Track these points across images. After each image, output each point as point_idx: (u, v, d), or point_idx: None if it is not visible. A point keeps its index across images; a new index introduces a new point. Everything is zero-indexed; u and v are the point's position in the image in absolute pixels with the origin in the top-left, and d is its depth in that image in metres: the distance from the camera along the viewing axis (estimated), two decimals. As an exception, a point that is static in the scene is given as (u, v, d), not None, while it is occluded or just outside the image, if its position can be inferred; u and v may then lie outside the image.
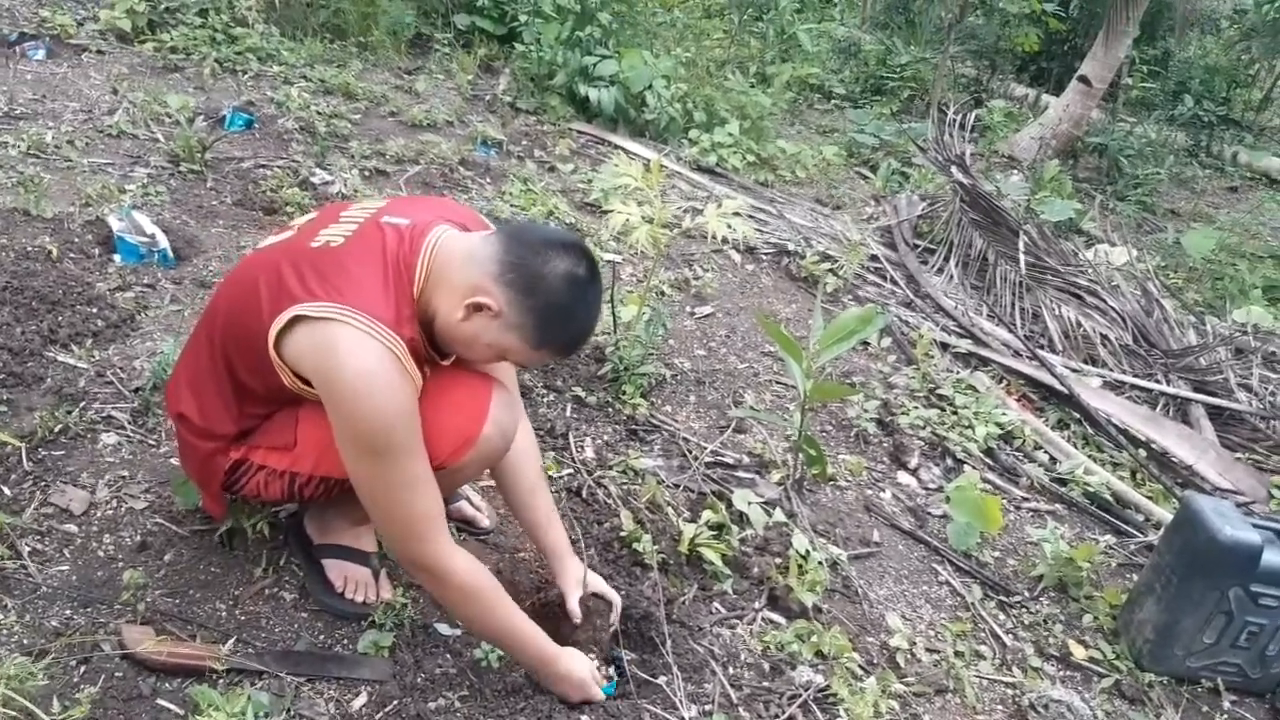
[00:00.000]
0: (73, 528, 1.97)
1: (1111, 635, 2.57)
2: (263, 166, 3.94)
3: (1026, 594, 2.69)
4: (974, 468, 3.19)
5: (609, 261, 3.51)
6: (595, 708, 1.88)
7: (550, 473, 2.54)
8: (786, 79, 7.58)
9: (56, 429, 2.18)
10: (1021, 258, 4.52)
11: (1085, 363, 4.11)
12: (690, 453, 2.83)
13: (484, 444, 1.75)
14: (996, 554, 2.84)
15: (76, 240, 2.94)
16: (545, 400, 2.89)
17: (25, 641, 1.67)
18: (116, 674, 1.66)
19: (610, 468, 2.63)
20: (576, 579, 2.01)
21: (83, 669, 1.66)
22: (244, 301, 1.65)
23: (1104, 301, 4.37)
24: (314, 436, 1.72)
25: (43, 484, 2.04)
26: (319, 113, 4.65)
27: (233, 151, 3.99)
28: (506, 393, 1.82)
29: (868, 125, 7.37)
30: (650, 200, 2.84)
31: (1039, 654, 2.47)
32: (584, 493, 2.50)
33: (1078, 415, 3.69)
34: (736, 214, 2.89)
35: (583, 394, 2.94)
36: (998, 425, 3.45)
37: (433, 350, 1.71)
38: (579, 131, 5.69)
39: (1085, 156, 8.29)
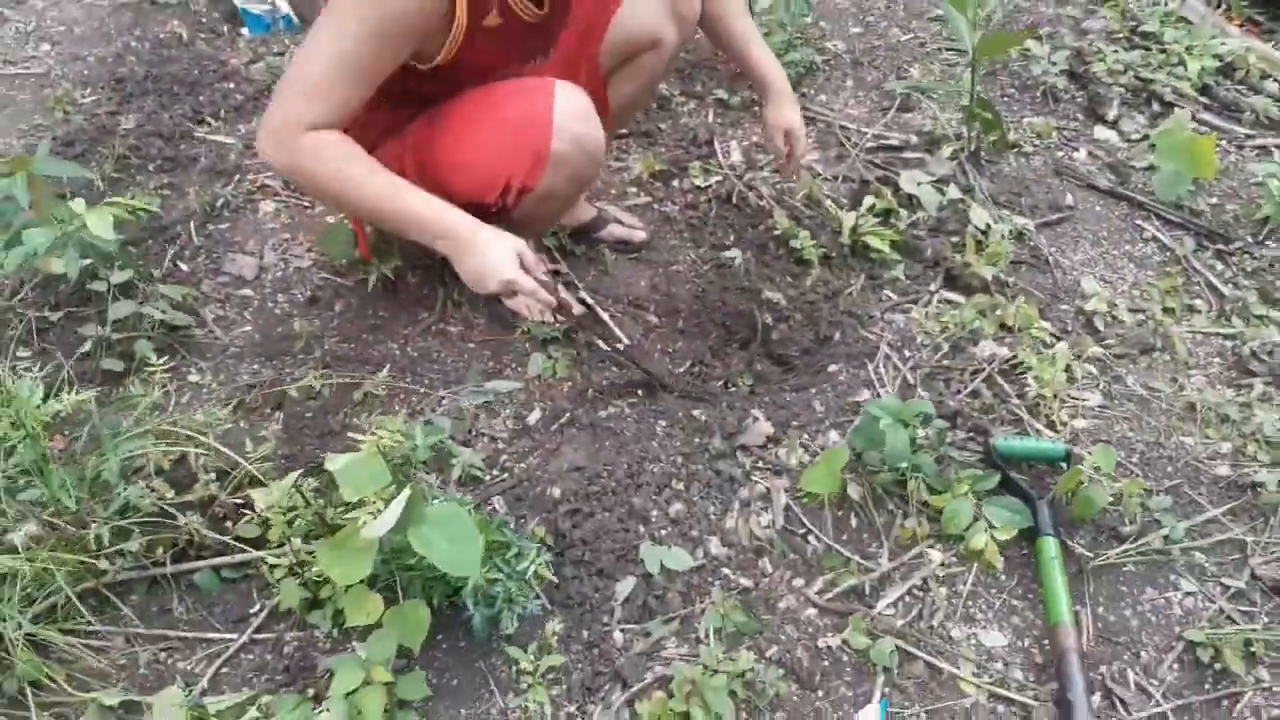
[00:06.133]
0: (248, 291, 2.07)
1: (1354, 270, 2.27)
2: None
3: (1250, 239, 2.39)
4: (1186, 109, 2.78)
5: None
6: (765, 398, 1.86)
7: (697, 181, 2.42)
8: None
9: (218, 203, 2.26)
10: None
11: (1330, -35, 3.42)
12: (849, 140, 2.62)
13: (562, 163, 1.63)
14: (1214, 200, 2.52)
15: (204, 20, 2.94)
16: (686, 109, 2.72)
17: (223, 396, 1.80)
18: (306, 414, 1.78)
19: (761, 168, 2.48)
20: (774, 124, 2.06)
21: (277, 414, 1.78)
22: None
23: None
24: (414, 164, 1.68)
25: (214, 255, 2.14)
26: None
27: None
28: (576, 97, 1.65)
29: None
30: None
31: (1264, 301, 2.22)
32: (734, 198, 2.38)
33: (1319, 30, 3.12)
34: None
35: (725, 95, 2.74)
36: (1215, 58, 2.96)
37: None
38: None
39: None
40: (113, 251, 1.82)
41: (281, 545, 1.48)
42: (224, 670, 1.45)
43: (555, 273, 2.09)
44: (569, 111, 1.62)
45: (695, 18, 1.96)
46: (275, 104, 1.52)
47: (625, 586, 1.57)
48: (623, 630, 1.53)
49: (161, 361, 1.69)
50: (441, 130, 1.65)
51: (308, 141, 1.49)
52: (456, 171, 1.65)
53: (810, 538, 1.67)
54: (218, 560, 1.54)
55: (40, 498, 1.42)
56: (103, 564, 1.45)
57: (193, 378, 1.85)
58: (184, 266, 2.10)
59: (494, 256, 1.56)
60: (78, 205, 1.66)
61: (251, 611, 1.51)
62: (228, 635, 1.48)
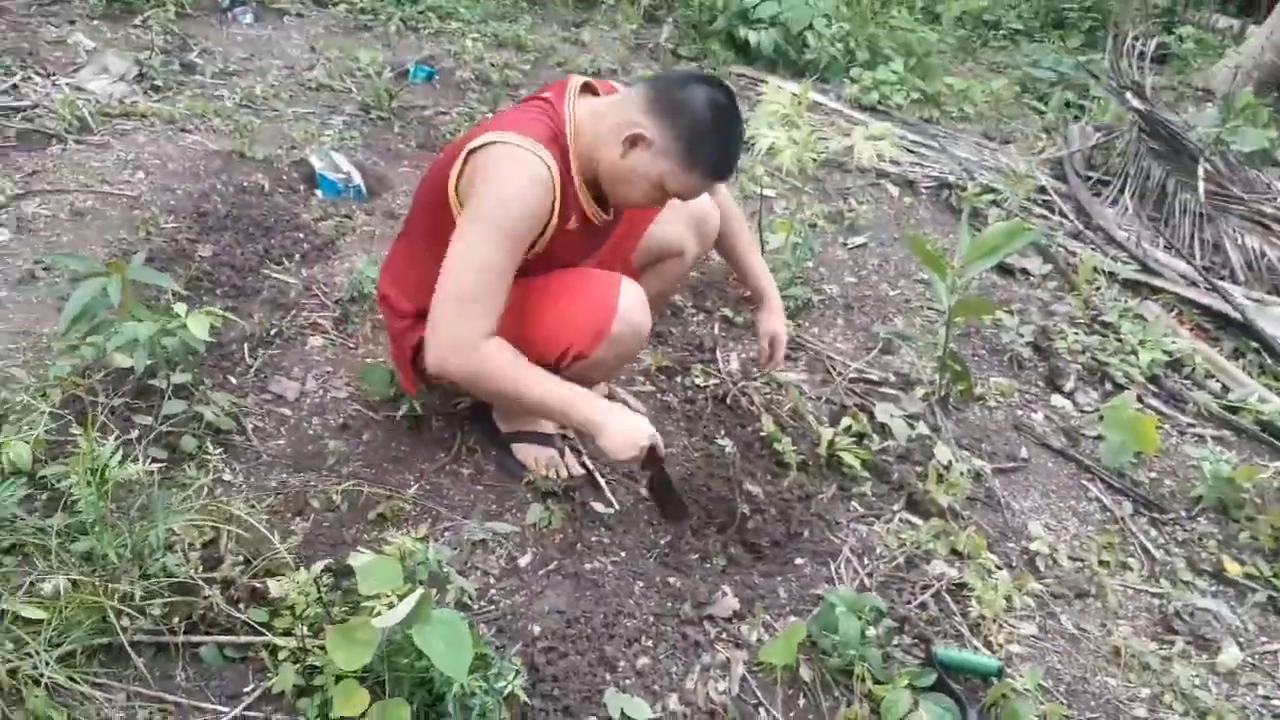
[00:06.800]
0: (287, 411, 2.29)
1: (1271, 555, 2.52)
2: (442, 113, 4.25)
3: (1182, 513, 2.66)
4: (1134, 391, 3.13)
5: (761, 196, 3.61)
6: (735, 577, 2.05)
7: (697, 381, 2.70)
8: (957, 14, 7.35)
9: (273, 332, 2.52)
10: (1201, 185, 4.29)
11: (1270, 293, 3.90)
12: (834, 369, 2.93)
13: (616, 341, 1.93)
14: (1153, 475, 2.81)
15: (284, 177, 3.32)
16: (695, 319, 3.05)
17: (250, 497, 1.99)
18: (324, 523, 1.96)
19: (754, 379, 2.77)
20: (764, 330, 2.41)
21: (296, 520, 1.96)
22: (432, 178, 1.96)
23: (1293, 229, 4.11)
24: None
25: (262, 376, 2.37)
26: (493, 64, 4.93)
27: (416, 101, 4.33)
28: (637, 292, 1.97)
29: (1045, 60, 7.05)
30: (797, 124, 2.92)
31: (1190, 569, 2.46)
32: (728, 400, 2.66)
33: (1255, 345, 3.53)
34: (884, 137, 2.94)
35: (730, 314, 3.08)
36: (1165, 353, 3.36)
37: (596, 204, 1.94)
38: (739, 74, 5.76)
39: (1292, 87, 7.62)
40: (182, 356, 2.06)
41: (288, 632, 1.63)
42: (211, 739, 1.56)
43: (565, 436, 2.32)
44: (631, 302, 1.94)
45: (714, 236, 2.33)
46: (443, 321, 1.80)
47: (586, 726, 1.71)
48: (579, 765, 1.65)
49: (218, 452, 1.88)
50: (521, 297, 1.93)
51: (479, 354, 1.80)
52: (529, 329, 1.93)
53: (761, 709, 1.82)
54: (223, 638, 1.68)
55: (90, 550, 1.58)
56: (124, 621, 1.59)
57: (226, 477, 2.04)
58: (233, 380, 2.33)
59: (633, 426, 1.88)
60: (179, 308, 1.92)
61: (245, 690, 1.63)
62: (220, 708, 1.60)
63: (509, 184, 1.77)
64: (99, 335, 2.04)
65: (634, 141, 1.82)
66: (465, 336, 1.80)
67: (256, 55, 4.47)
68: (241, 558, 1.75)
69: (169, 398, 2.07)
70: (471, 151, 1.83)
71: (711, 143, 1.83)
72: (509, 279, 1.83)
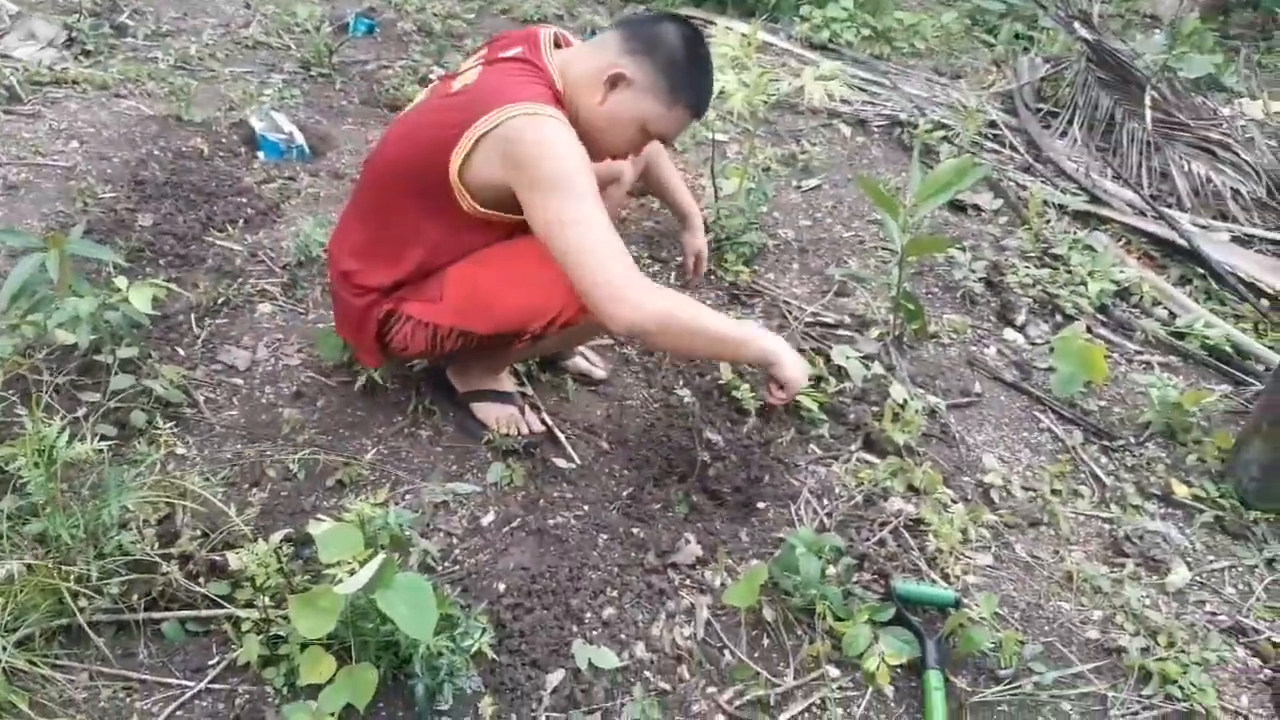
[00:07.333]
0: (239, 381, 2.26)
1: (1218, 477, 2.58)
2: (385, 67, 4.16)
3: (1131, 440, 2.72)
4: (1084, 322, 3.17)
5: (714, 141, 3.58)
6: (697, 524, 2.08)
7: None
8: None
9: (220, 301, 2.48)
10: (1148, 113, 4.33)
11: (1215, 219, 3.96)
12: (790, 314, 2.94)
13: None
14: (1102, 403, 2.86)
15: (224, 140, 3.24)
16: (650, 270, 3.04)
17: (205, 470, 1.97)
18: (282, 493, 1.95)
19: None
20: (690, 248, 2.74)
21: (253, 491, 1.95)
22: (415, 154, 1.86)
23: (1238, 155, 4.16)
24: (457, 293, 1.93)
25: (211, 346, 2.34)
26: (435, 14, 4.83)
27: (357, 55, 4.23)
28: None
29: (993, -9, 7.02)
30: (748, 67, 2.89)
31: (1139, 493, 2.51)
32: (688, 348, 2.67)
33: (1202, 271, 3.59)
34: (834, 77, 2.92)
35: (687, 261, 3.08)
36: (1113, 282, 3.40)
37: None
38: (688, 17, 5.68)
39: (1238, 13, 7.67)
40: (127, 330, 2.02)
41: (250, 604, 1.63)
42: (179, 714, 1.56)
43: (524, 394, 2.32)
44: None
45: (644, 159, 2.44)
46: (602, 275, 1.72)
47: (555, 678, 1.73)
48: (549, 717, 1.68)
49: (168, 426, 1.86)
50: (509, 259, 1.91)
51: (654, 289, 1.76)
52: (512, 294, 1.90)
53: (726, 651, 1.85)
54: (184, 613, 1.67)
55: (43, 532, 1.56)
56: (81, 602, 1.58)
57: (179, 450, 2.02)
58: (182, 352, 2.29)
59: (796, 353, 1.99)
60: (121, 282, 1.88)
61: (210, 664, 1.64)
62: (185, 682, 1.60)
63: (561, 148, 1.72)
64: (39, 312, 2.00)
65: (614, 82, 1.82)
66: (633, 281, 1.73)
67: (190, 14, 4.35)
68: (199, 532, 1.74)
69: (116, 373, 2.05)
70: (485, 134, 1.74)
71: (691, 76, 1.85)
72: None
